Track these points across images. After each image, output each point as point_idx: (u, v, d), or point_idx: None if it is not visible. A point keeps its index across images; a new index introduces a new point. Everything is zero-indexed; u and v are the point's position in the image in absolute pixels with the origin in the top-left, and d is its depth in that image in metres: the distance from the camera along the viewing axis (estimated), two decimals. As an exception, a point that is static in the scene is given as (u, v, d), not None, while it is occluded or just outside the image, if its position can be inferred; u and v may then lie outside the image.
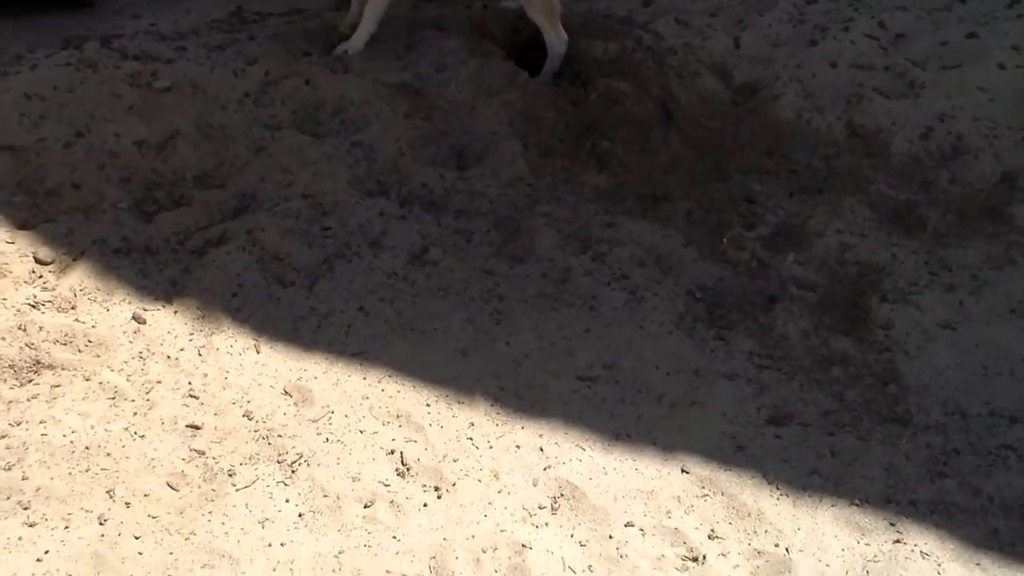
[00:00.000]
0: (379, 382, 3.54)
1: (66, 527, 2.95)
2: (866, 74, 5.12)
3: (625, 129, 4.64)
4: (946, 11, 5.62)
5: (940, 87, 5.00)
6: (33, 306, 3.75)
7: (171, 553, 2.92)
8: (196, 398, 3.44)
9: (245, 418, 3.38)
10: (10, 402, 3.35)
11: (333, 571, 2.94)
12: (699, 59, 5.15)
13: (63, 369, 3.49)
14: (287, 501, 3.11)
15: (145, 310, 3.78)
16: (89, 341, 3.62)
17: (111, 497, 3.05)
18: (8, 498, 3.00)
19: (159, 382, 3.47)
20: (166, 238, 4.10)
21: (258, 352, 3.64)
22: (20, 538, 2.90)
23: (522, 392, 3.53)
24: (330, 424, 3.38)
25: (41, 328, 3.63)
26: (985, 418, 3.51)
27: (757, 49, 5.29)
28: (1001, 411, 3.53)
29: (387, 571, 2.95)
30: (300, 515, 3.08)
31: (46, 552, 2.87)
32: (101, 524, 2.97)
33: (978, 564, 3.15)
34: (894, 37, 5.37)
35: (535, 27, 4.99)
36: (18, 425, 3.26)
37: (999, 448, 3.42)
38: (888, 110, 4.91)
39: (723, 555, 3.12)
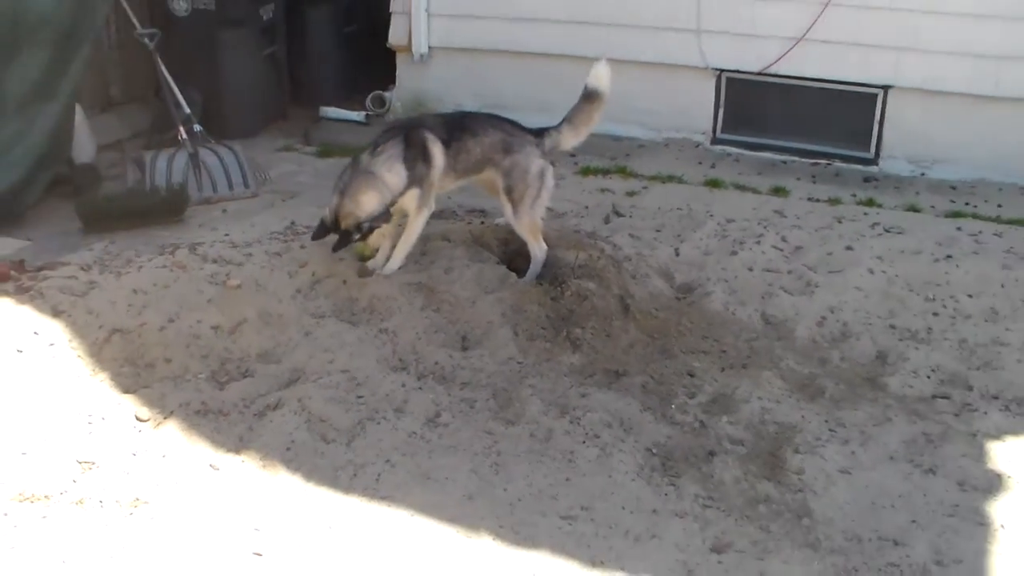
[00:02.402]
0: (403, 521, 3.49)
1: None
2: (774, 276, 5.18)
3: (593, 319, 4.65)
4: (829, 230, 5.74)
5: (829, 287, 5.06)
6: (134, 454, 3.75)
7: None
8: (258, 531, 3.38)
9: (298, 548, 3.31)
10: (107, 525, 3.35)
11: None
12: (648, 264, 5.19)
13: (155, 504, 3.47)
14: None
15: (219, 459, 3.76)
16: (176, 483, 3.60)
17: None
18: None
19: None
20: (235, 403, 4.09)
21: (306, 495, 3.59)
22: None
23: (517, 529, 3.46)
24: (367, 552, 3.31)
25: (141, 472, 3.64)
26: (875, 542, 3.46)
27: (692, 257, 5.34)
28: (887, 536, 3.48)
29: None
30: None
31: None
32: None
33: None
34: (794, 248, 5.46)
35: (521, 239, 5.03)
36: (123, 549, 3.24)
37: (887, 566, 3.35)
38: (792, 304, 4.95)
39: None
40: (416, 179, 4.84)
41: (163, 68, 6.57)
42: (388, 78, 7.87)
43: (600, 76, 4.97)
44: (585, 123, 5.06)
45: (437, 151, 4.88)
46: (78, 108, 6.18)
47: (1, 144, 5.58)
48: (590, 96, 5.00)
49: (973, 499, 3.67)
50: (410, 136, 4.89)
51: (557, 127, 5.05)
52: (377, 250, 5.03)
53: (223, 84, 7.22)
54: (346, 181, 4.82)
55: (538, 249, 4.99)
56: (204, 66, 7.13)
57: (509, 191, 4.94)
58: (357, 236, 4.81)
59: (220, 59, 7.24)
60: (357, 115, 7.77)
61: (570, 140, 5.09)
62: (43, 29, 5.63)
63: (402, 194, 4.84)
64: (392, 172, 4.81)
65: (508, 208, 4.97)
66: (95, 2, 6.00)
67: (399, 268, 4.93)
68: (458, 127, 5.02)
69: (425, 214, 4.96)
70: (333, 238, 4.81)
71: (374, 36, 7.98)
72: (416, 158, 4.83)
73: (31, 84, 5.66)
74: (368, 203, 4.76)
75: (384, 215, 4.83)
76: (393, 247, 4.99)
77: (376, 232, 4.93)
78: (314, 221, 5.32)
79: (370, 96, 7.82)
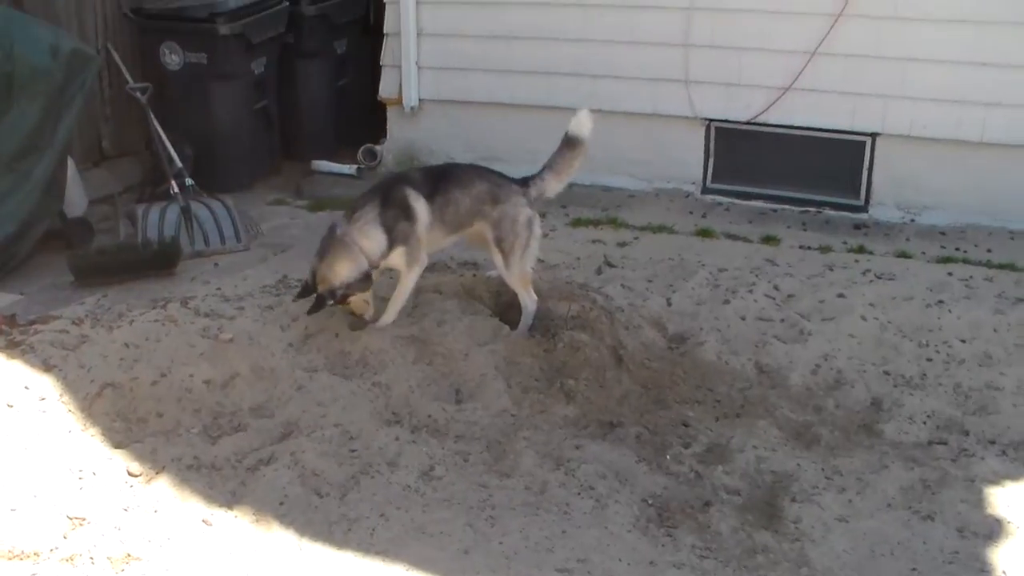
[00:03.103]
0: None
1: None
2: (767, 325, 5.18)
3: (586, 370, 4.65)
4: (820, 277, 5.75)
5: (822, 334, 5.06)
6: (125, 510, 3.71)
7: None
8: (251, 587, 3.36)
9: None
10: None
11: None
12: (641, 315, 5.18)
13: (147, 560, 3.43)
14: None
15: (212, 514, 3.71)
16: (168, 538, 3.55)
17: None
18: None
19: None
20: (227, 457, 4.07)
21: (300, 550, 3.56)
22: None
23: (513, 582, 3.44)
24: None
25: (133, 527, 3.59)
26: (875, 591, 3.45)
27: (684, 307, 5.34)
28: (887, 585, 3.47)
29: None
30: None
31: None
32: None
33: None
34: (786, 296, 5.46)
35: (513, 291, 5.03)
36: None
37: (889, 614, 3.35)
38: (785, 352, 4.94)
39: None
40: (400, 238, 4.81)
41: (155, 122, 6.63)
42: (379, 131, 7.92)
43: (582, 124, 4.98)
44: (567, 170, 5.07)
45: (420, 206, 4.84)
46: (70, 162, 6.21)
47: (-7, 198, 5.61)
48: (571, 143, 5.01)
49: (973, 545, 3.66)
50: (388, 196, 4.86)
51: (540, 175, 5.06)
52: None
53: (215, 138, 7.26)
54: (323, 247, 4.80)
55: (529, 300, 4.98)
56: (196, 120, 7.18)
57: (499, 242, 4.93)
58: (331, 302, 4.76)
59: (212, 113, 7.28)
60: (349, 168, 7.80)
61: (554, 187, 5.10)
62: (37, 83, 5.67)
63: (385, 256, 4.82)
64: (369, 238, 4.77)
65: (499, 260, 4.96)
66: (88, 56, 6.05)
67: (391, 323, 4.91)
68: (442, 179, 5.01)
69: (416, 270, 4.94)
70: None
71: (365, 89, 8.04)
72: (397, 218, 4.80)
73: (23, 138, 5.69)
74: (342, 271, 4.73)
75: (363, 282, 4.78)
76: (385, 301, 4.97)
77: (358, 298, 4.87)
78: (305, 275, 5.33)
79: (361, 149, 7.86)
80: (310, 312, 4.80)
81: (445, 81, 7.65)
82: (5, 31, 5.56)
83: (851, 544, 3.65)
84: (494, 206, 4.95)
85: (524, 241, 4.96)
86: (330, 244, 4.79)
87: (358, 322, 4.93)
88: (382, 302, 5.00)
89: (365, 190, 5.09)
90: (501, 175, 5.12)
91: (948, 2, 6.37)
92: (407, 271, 4.92)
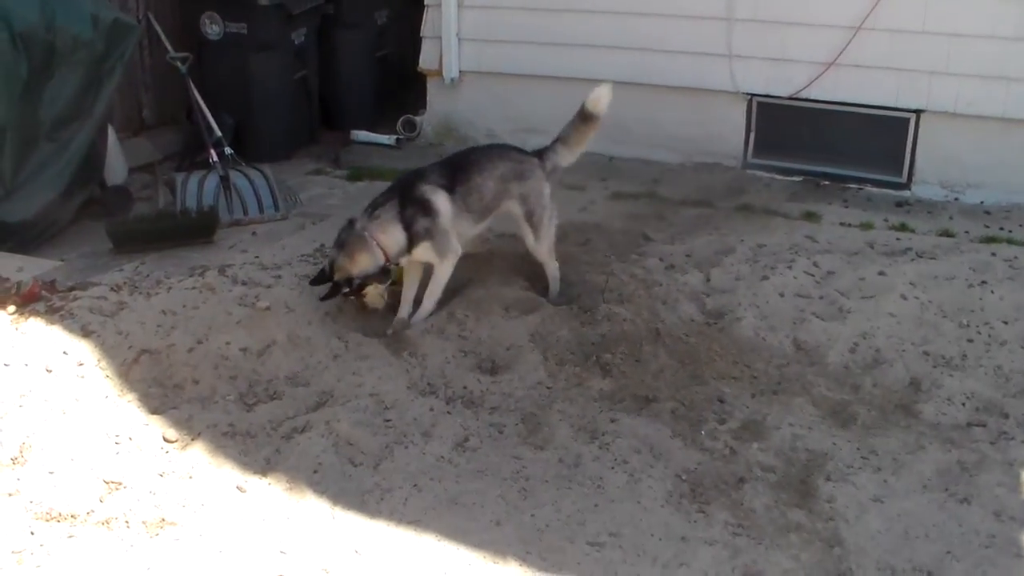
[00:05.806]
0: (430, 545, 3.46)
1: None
2: (806, 302, 5.11)
3: (623, 344, 4.63)
4: (860, 255, 5.67)
5: (861, 312, 4.99)
6: (161, 475, 3.75)
7: None
8: (284, 553, 3.37)
9: (323, 571, 3.30)
10: (133, 546, 3.35)
11: None
12: (679, 290, 5.15)
13: (181, 525, 3.48)
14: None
15: (246, 481, 3.75)
16: (202, 504, 3.59)
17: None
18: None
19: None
20: (262, 425, 4.09)
21: (333, 518, 3.58)
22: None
23: (544, 555, 3.43)
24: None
25: (168, 493, 3.63)
26: (909, 573, 3.41)
27: (723, 282, 5.29)
28: (921, 567, 3.43)
29: None
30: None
31: None
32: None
33: None
34: (825, 274, 5.39)
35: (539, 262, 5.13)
36: (148, 570, 3.25)
37: (921, 597, 3.30)
38: (824, 329, 4.88)
39: None
40: (421, 234, 4.77)
41: (195, 91, 6.65)
42: (419, 102, 7.90)
43: (600, 100, 4.98)
44: (579, 143, 5.09)
45: (440, 200, 4.81)
46: (110, 130, 6.25)
47: (34, 166, 5.64)
48: (586, 117, 5.02)
49: (1010, 529, 3.61)
50: (406, 194, 4.82)
51: (553, 148, 5.09)
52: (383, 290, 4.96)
53: (254, 107, 7.28)
54: (343, 239, 4.75)
55: (555, 268, 5.09)
56: (236, 89, 7.20)
57: (529, 216, 4.99)
58: (346, 290, 4.73)
59: (251, 82, 7.30)
60: (387, 139, 7.79)
61: (567, 159, 5.13)
62: (77, 53, 5.69)
63: (406, 253, 4.77)
64: (387, 235, 4.73)
65: (529, 234, 5.02)
66: (128, 26, 6.07)
67: (429, 316, 4.85)
68: (461, 169, 4.97)
69: (451, 260, 4.88)
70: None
71: (405, 60, 8.02)
72: (416, 215, 4.75)
73: (64, 107, 5.72)
74: (361, 262, 4.68)
75: (379, 275, 4.75)
76: (415, 296, 4.95)
77: (374, 292, 4.85)
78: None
79: (400, 120, 7.85)
80: (324, 298, 4.78)
81: (486, 53, 7.61)
82: (47, 1, 5.58)
83: (885, 525, 3.62)
84: (520, 183, 4.99)
85: (550, 213, 5.04)
86: (348, 237, 4.75)
87: (400, 322, 4.87)
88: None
89: (386, 188, 5.02)
90: (517, 149, 5.15)
91: (995, -23, 6.26)
92: (440, 263, 4.88)
